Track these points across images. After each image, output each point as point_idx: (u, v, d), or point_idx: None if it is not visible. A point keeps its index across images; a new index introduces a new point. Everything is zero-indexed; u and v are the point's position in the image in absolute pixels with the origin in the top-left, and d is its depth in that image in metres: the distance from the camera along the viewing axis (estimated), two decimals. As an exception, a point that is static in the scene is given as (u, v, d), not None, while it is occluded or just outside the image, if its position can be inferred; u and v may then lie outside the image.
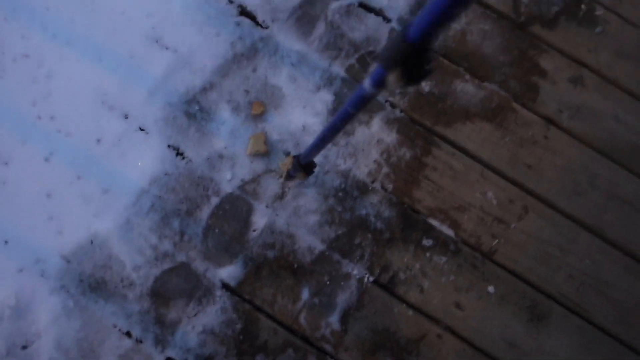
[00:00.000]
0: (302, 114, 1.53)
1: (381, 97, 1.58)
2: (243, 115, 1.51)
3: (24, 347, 1.34)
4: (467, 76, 1.63)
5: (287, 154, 1.50)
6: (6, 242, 1.38)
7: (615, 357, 1.49)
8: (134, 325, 1.38)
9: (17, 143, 1.43)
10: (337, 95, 1.56)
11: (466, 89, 1.62)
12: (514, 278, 1.51)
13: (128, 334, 1.38)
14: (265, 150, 1.48)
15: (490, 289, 1.49)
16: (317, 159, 1.51)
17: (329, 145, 1.52)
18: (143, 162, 1.46)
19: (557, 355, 1.48)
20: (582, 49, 1.69)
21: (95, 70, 1.49)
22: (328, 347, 1.42)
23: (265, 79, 1.54)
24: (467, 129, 1.59)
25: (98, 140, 1.45)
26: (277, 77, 1.55)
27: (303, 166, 1.33)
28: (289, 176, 1.44)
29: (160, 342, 1.38)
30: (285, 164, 1.46)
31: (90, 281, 1.39)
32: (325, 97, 1.55)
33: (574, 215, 1.57)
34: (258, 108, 1.51)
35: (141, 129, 1.47)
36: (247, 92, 1.53)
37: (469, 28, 1.67)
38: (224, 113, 1.51)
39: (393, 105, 1.58)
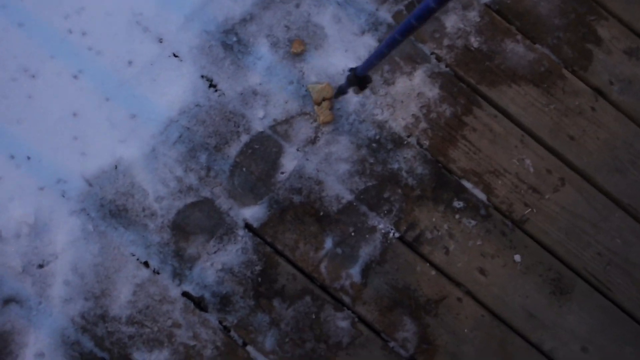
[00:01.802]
0: (343, 58, 1.46)
1: (427, 48, 1.50)
2: (282, 52, 1.44)
3: (40, 266, 1.32)
4: (519, 36, 1.54)
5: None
6: (28, 157, 1.34)
7: (634, 339, 1.47)
8: (152, 256, 1.35)
9: (45, 56, 1.36)
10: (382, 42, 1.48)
11: (516, 49, 1.54)
12: (541, 249, 1.47)
13: (146, 264, 1.35)
14: (332, 119, 1.41)
15: (517, 257, 1.45)
16: (354, 106, 1.45)
17: (368, 93, 1.45)
18: (174, 90, 1.40)
19: (575, 331, 1.45)
20: (641, 20, 1.60)
21: (132, -12, 1.41)
22: (346, 299, 1.39)
23: (308, 17, 1.46)
24: (512, 92, 1.52)
25: (129, 63, 1.39)
26: (320, 16, 1.46)
27: (359, 79, 1.25)
28: (341, 92, 1.37)
29: (178, 276, 1.35)
30: (321, 107, 1.40)
31: (111, 207, 1.35)
32: (369, 42, 1.47)
33: (611, 193, 1.52)
34: (298, 46, 1.43)
35: (175, 56, 1.41)
36: (287, 28, 1.45)
37: (526, -15, 1.57)
38: (262, 48, 1.44)
39: (439, 59, 1.50)
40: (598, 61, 1.56)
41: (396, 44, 1.00)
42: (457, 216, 1.45)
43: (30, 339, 1.29)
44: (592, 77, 1.55)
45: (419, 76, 1.49)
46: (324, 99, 1.41)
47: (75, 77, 1.37)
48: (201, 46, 1.42)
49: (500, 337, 1.43)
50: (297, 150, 1.42)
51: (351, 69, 1.27)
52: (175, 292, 1.35)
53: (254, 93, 1.42)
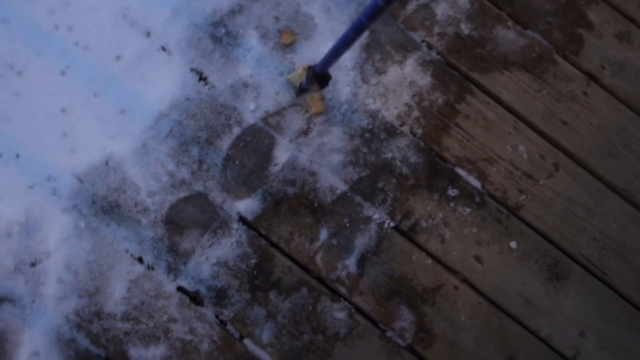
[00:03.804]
0: (333, 47, 1.44)
1: (417, 36, 1.49)
2: (271, 43, 1.43)
3: (33, 265, 1.30)
4: (510, 22, 1.54)
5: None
6: (17, 155, 1.32)
7: (631, 323, 1.47)
8: (146, 252, 1.34)
9: (32, 53, 1.35)
10: (372, 32, 1.47)
11: (507, 35, 1.53)
12: (537, 235, 1.47)
13: (140, 260, 1.34)
14: (323, 110, 1.40)
15: (513, 244, 1.45)
16: (346, 96, 1.44)
17: (359, 83, 1.44)
18: (163, 84, 1.38)
19: (572, 316, 1.45)
20: (632, 4, 1.59)
21: (118, -18, 1.39)
22: (342, 290, 1.39)
23: (298, 7, 1.45)
24: (504, 78, 1.51)
25: (117, 57, 1.37)
26: (310, 6, 1.45)
27: (318, 76, 1.24)
28: (302, 89, 1.36)
29: (172, 271, 1.34)
30: (312, 98, 1.39)
31: (103, 203, 1.34)
32: (359, 32, 1.46)
33: (605, 177, 1.51)
34: (288, 37, 1.42)
35: (163, 49, 1.39)
36: (277, 19, 1.44)
37: (516, -30, 1.56)
38: (252, 39, 1.42)
39: (430, 46, 1.50)
40: (589, 45, 1.56)
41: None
42: (452, 204, 1.45)
43: (24, 338, 1.28)
44: (584, 62, 1.55)
45: (411, 64, 1.48)
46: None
47: (62, 73, 1.35)
48: (190, 39, 1.40)
49: (497, 324, 1.43)
50: (290, 141, 1.41)
51: (309, 67, 1.26)
52: (170, 287, 1.34)
53: (245, 85, 1.41)
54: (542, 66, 1.53)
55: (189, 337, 1.33)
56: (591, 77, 1.55)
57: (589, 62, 1.55)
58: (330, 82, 1.41)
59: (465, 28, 1.51)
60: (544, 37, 1.54)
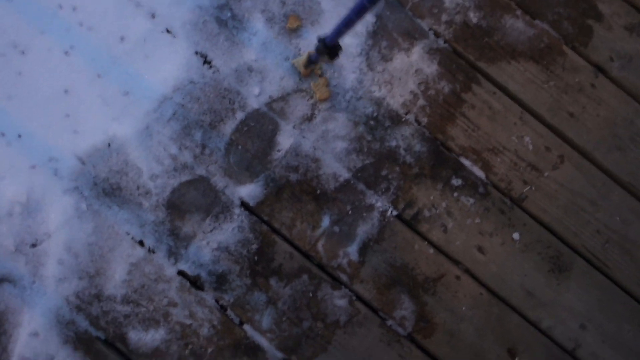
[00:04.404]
0: (339, 33, 1.43)
1: (425, 23, 1.48)
2: (277, 27, 1.41)
3: (33, 245, 1.30)
4: (519, 12, 1.52)
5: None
6: (19, 135, 1.31)
7: (632, 317, 1.46)
8: (148, 235, 1.33)
9: (35, 32, 1.33)
10: (379, 18, 1.45)
11: (516, 25, 1.51)
12: (540, 227, 1.46)
13: (141, 243, 1.33)
14: (328, 96, 1.39)
15: (515, 235, 1.44)
16: (351, 82, 1.42)
17: (365, 69, 1.43)
18: (167, 67, 1.37)
19: (573, 309, 1.44)
20: (643, -5, 1.57)
21: (123, -38, 1.38)
22: (344, 277, 1.38)
23: (304, -9, 1.43)
24: (511, 68, 1.50)
25: (122, 39, 1.36)
26: (316, -10, 1.43)
27: (329, 48, 1.19)
28: (311, 62, 1.34)
29: (173, 255, 1.34)
30: (317, 84, 1.37)
31: (105, 185, 1.33)
32: (366, 18, 1.44)
33: (610, 170, 1.50)
34: (294, 22, 1.41)
35: (168, 31, 1.38)
36: (283, 3, 1.42)
37: (526, -41, 1.54)
38: (257, 23, 1.41)
39: (437, 34, 1.48)
40: (598, 37, 1.54)
41: (365, 11, 0.99)
42: (455, 194, 1.44)
43: (24, 318, 1.28)
44: (593, 53, 1.53)
45: (417, 52, 1.46)
46: (318, 76, 1.38)
47: (66, 53, 1.34)
48: (195, 22, 1.39)
49: (498, 315, 1.42)
50: (294, 127, 1.40)
51: (320, 39, 1.23)
52: (170, 271, 1.33)
53: (249, 70, 1.40)
54: (550, 57, 1.51)
55: (188, 322, 1.32)
56: (599, 69, 1.53)
57: (598, 54, 1.53)
58: (336, 69, 1.40)
59: (473, 17, 1.49)
60: (552, 27, 1.52)
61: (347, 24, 1.05)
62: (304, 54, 1.37)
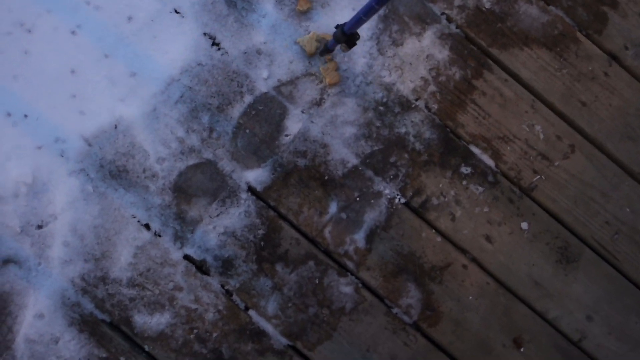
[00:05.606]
0: (350, 16, 1.40)
1: (437, 8, 1.45)
2: (287, 9, 1.39)
3: (39, 227, 1.29)
4: (533, -3, 1.49)
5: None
6: (25, 115, 1.30)
7: None
8: (154, 218, 1.32)
9: (42, 10, 1.31)
10: (391, 2, 1.43)
11: (529, 11, 1.48)
12: (549, 217, 1.45)
13: (147, 227, 1.32)
14: (338, 80, 1.37)
15: (524, 225, 1.43)
16: (361, 67, 1.40)
17: (375, 54, 1.40)
18: (175, 48, 1.35)
19: (580, 300, 1.44)
20: (660, -17, 1.54)
21: (131, -60, 1.35)
22: (350, 264, 1.37)
23: (315, -27, 1.41)
24: (524, 55, 1.47)
25: (129, 18, 1.34)
26: (328, -28, 1.41)
27: (347, 36, 1.17)
28: (327, 50, 1.32)
29: (179, 239, 1.33)
30: (327, 68, 1.35)
31: (111, 168, 1.32)
32: (378, 1, 1.41)
33: (621, 161, 1.48)
34: (304, 4, 1.38)
35: (176, 12, 1.36)
36: (293, -15, 1.40)
37: (542, -56, 1.51)
38: (267, 5, 1.38)
39: (449, 19, 1.45)
40: (613, 25, 1.51)
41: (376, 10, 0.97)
42: (464, 182, 1.42)
43: (29, 300, 1.27)
44: (607, 41, 1.50)
45: (429, 37, 1.44)
46: (327, 60, 1.36)
47: (73, 32, 1.32)
48: (204, 2, 1.36)
49: (505, 304, 1.41)
50: (302, 112, 1.38)
51: (338, 26, 1.21)
52: (176, 255, 1.32)
53: (258, 52, 1.38)
54: (563, 44, 1.49)
55: (194, 306, 1.32)
56: (613, 57, 1.50)
57: (612, 42, 1.51)
58: (346, 53, 1.38)
59: (486, 1, 1.47)
60: (567, 14, 1.50)
61: (367, 13, 1.02)
62: (310, 32, 1.35)
